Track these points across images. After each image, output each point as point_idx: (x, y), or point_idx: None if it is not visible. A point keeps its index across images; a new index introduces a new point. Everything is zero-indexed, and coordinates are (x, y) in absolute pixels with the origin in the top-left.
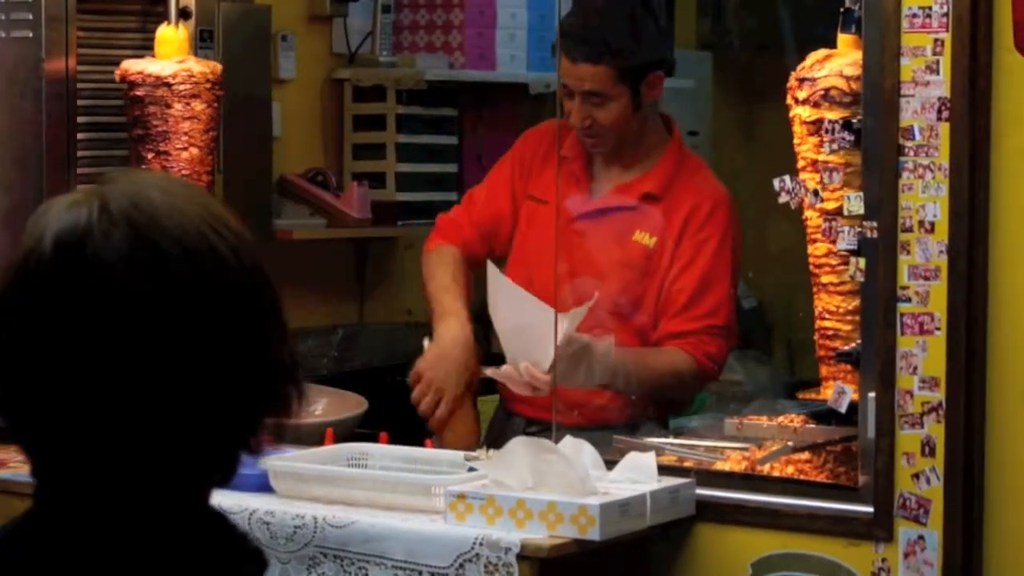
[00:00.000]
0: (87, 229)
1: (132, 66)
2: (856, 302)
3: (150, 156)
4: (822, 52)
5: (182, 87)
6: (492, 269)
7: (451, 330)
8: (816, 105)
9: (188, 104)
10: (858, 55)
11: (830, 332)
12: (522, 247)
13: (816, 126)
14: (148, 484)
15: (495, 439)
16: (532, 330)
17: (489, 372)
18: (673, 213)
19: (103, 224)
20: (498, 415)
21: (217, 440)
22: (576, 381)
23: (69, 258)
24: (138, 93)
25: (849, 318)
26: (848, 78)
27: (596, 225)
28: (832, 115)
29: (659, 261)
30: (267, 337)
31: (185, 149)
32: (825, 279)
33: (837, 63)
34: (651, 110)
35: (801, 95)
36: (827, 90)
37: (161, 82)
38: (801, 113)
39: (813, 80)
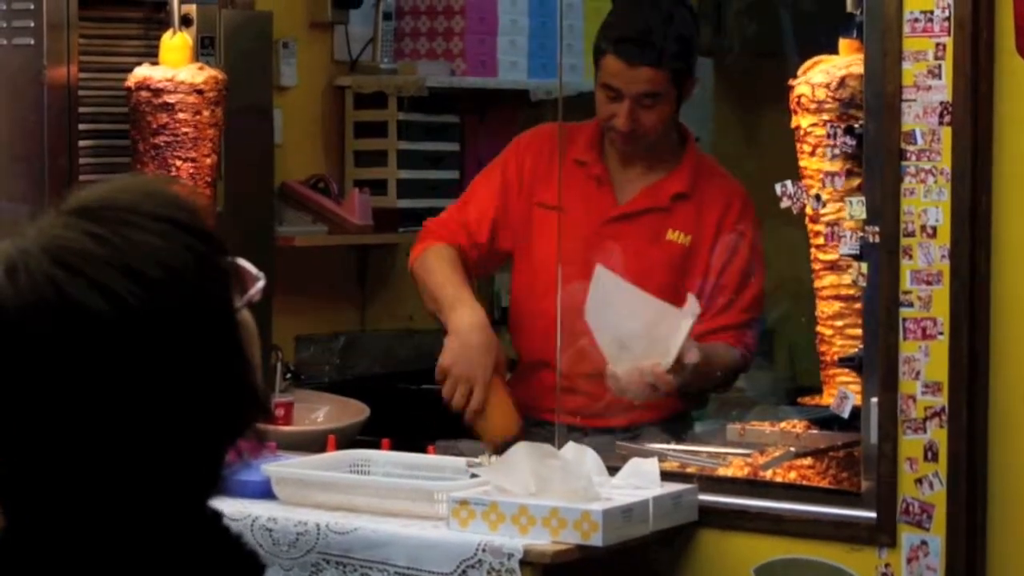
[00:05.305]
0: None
1: (156, 73)
2: (836, 307)
3: (178, 163)
4: (813, 60)
5: (210, 93)
6: (602, 271)
7: (465, 317)
8: (794, 112)
9: (214, 111)
10: (840, 61)
11: (819, 336)
12: (538, 254)
13: (797, 132)
14: (120, 501)
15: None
16: (654, 330)
17: (609, 373)
18: (705, 210)
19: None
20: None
21: (191, 453)
22: (684, 380)
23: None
24: (168, 100)
25: (830, 323)
26: (815, 85)
27: (628, 227)
28: (805, 122)
29: (696, 258)
30: (215, 365)
31: (209, 156)
32: (816, 284)
33: (815, 70)
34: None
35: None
36: (799, 98)
37: (194, 89)
38: (792, 120)
39: (792, 88)
